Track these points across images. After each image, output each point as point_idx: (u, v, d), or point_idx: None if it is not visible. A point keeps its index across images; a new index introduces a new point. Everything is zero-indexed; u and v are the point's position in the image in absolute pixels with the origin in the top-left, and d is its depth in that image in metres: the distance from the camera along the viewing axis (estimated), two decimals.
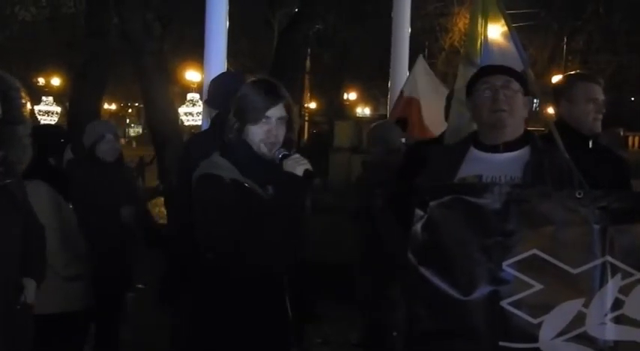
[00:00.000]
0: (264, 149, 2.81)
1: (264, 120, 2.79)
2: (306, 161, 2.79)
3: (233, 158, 2.79)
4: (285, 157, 2.82)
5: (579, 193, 2.31)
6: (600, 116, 3.53)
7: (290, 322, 2.95)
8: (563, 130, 3.46)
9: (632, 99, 31.82)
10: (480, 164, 2.69)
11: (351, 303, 6.02)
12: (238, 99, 2.85)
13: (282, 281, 2.92)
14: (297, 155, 2.82)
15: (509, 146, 2.71)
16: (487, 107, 2.72)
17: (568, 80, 3.72)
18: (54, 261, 3.79)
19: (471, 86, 2.85)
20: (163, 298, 3.85)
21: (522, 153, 2.71)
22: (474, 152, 2.76)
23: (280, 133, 2.83)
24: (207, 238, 2.78)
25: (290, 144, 2.90)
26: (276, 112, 2.81)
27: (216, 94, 3.78)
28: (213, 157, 2.84)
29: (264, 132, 2.80)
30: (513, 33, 4.22)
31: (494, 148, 2.72)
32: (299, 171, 2.74)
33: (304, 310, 4.12)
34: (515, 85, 2.74)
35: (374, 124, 5.49)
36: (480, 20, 4.27)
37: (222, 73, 4.34)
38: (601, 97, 3.53)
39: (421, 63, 5.69)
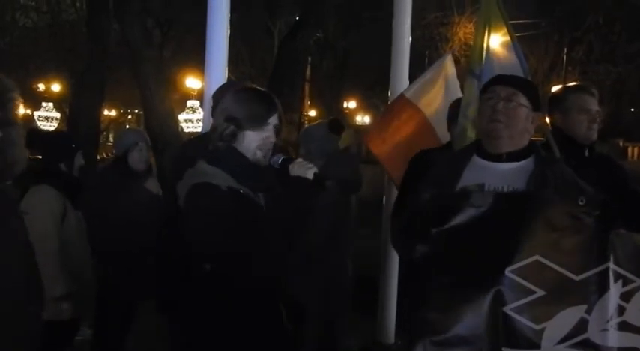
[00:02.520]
0: (259, 155, 2.82)
1: (264, 127, 2.81)
2: (312, 165, 2.82)
3: (225, 166, 2.78)
4: (285, 161, 2.84)
5: (581, 201, 2.32)
6: (595, 126, 3.54)
7: (287, 326, 2.94)
8: (560, 139, 3.49)
9: (632, 109, 31.89)
10: (483, 173, 2.67)
11: (350, 310, 6.00)
12: (233, 105, 2.85)
13: (279, 289, 2.91)
14: (300, 160, 2.86)
15: (513, 156, 2.70)
16: (486, 116, 2.72)
17: (561, 92, 3.74)
18: (53, 264, 3.81)
19: (481, 93, 2.85)
20: (161, 303, 3.85)
21: (526, 164, 2.69)
22: (477, 160, 2.75)
23: (274, 139, 2.86)
24: (205, 249, 2.75)
25: (277, 150, 2.93)
26: (274, 119, 2.85)
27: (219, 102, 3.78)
28: (201, 166, 2.81)
29: (262, 139, 2.81)
30: (515, 43, 4.23)
31: (498, 158, 2.71)
32: (309, 175, 2.77)
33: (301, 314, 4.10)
34: (521, 99, 2.71)
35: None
36: (485, 30, 4.28)
37: (227, 82, 4.33)
38: (594, 107, 3.55)
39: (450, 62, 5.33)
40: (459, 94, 5.01)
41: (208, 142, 2.89)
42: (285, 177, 2.85)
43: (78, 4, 20.83)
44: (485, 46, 4.20)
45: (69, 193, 4.01)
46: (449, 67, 5.21)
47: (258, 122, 2.81)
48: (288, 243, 2.91)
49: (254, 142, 2.81)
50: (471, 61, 4.26)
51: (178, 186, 2.85)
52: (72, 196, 4.03)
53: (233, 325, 2.77)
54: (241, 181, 2.77)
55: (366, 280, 6.17)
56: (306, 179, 2.78)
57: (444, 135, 4.85)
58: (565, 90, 3.75)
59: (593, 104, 3.56)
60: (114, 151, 4.79)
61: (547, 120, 3.73)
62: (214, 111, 3.77)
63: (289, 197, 2.80)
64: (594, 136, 3.55)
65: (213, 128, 2.89)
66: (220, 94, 3.87)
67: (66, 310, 3.88)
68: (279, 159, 2.87)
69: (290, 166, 2.83)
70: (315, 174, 2.79)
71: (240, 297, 2.76)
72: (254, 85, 3.10)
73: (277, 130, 2.88)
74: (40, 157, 4.10)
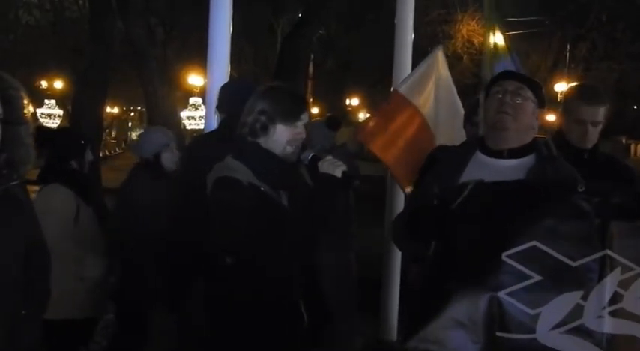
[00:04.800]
0: (289, 150, 2.88)
1: (296, 123, 2.88)
2: (341, 163, 2.87)
3: (248, 162, 2.82)
4: (315, 158, 2.88)
5: (581, 187, 2.33)
6: (588, 137, 3.43)
7: (306, 326, 2.95)
8: (561, 140, 3.46)
9: (635, 107, 31.84)
10: (484, 169, 2.69)
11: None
12: (266, 101, 2.88)
13: (298, 285, 2.93)
14: (330, 157, 2.90)
15: (514, 153, 2.72)
16: (493, 108, 2.73)
17: (566, 93, 3.70)
18: (68, 263, 3.80)
19: (487, 90, 2.87)
20: (170, 303, 3.85)
21: (527, 161, 2.71)
22: (479, 156, 2.77)
23: (304, 136, 2.94)
24: (226, 243, 2.78)
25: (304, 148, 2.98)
26: (305, 117, 2.93)
27: (224, 100, 3.78)
28: (227, 160, 2.86)
29: (293, 134, 2.88)
30: (513, 55, 4.30)
31: (499, 154, 2.73)
32: (338, 173, 2.81)
33: (321, 314, 4.10)
34: (527, 93, 2.73)
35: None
36: (490, 40, 4.34)
37: (231, 80, 4.33)
38: (590, 119, 3.41)
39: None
40: (452, 89, 5.03)
41: (236, 138, 2.93)
42: (315, 174, 2.89)
43: (81, 2, 20.83)
44: (492, 54, 4.26)
45: (81, 191, 4.00)
46: (440, 60, 5.20)
47: (292, 117, 2.88)
48: (311, 242, 2.95)
49: (285, 136, 2.87)
50: (482, 70, 4.30)
51: (207, 179, 2.88)
52: (84, 192, 4.02)
53: (248, 321, 2.81)
54: (262, 178, 2.81)
55: (368, 278, 6.17)
56: (334, 177, 2.81)
57: (438, 130, 4.86)
58: (569, 93, 3.67)
59: (591, 115, 3.42)
60: (141, 154, 4.58)
61: (550, 118, 3.71)
62: (220, 107, 3.79)
63: (317, 194, 2.84)
64: (588, 145, 3.45)
65: (243, 123, 2.91)
66: (222, 91, 3.87)
67: (80, 310, 3.88)
68: (308, 155, 2.93)
69: (319, 164, 2.87)
70: (343, 172, 2.83)
71: (255, 293, 2.79)
72: (283, 84, 3.13)
73: (305, 129, 2.96)
74: (50, 155, 4.07)
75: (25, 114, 2.53)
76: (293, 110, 2.89)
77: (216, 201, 2.80)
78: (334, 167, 2.83)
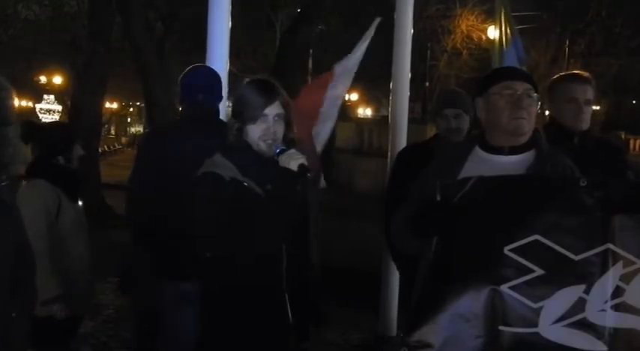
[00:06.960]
0: (263, 147, 2.85)
1: (261, 118, 2.84)
2: (301, 156, 2.82)
3: (233, 158, 2.83)
4: (282, 152, 2.85)
5: (583, 181, 2.33)
6: (583, 116, 3.48)
7: (289, 321, 2.95)
8: (552, 128, 3.48)
9: (634, 102, 31.85)
10: (484, 165, 2.67)
11: (351, 305, 6.02)
12: (236, 100, 2.91)
13: (281, 281, 2.93)
14: (292, 150, 2.85)
15: (515, 149, 2.69)
16: (508, 112, 2.67)
17: (551, 82, 3.74)
18: (44, 263, 3.74)
19: (487, 86, 2.76)
20: (124, 288, 3.89)
21: (526, 156, 2.69)
22: (478, 152, 2.75)
23: (279, 130, 2.87)
24: (204, 236, 2.78)
25: (291, 143, 2.92)
26: (273, 109, 2.86)
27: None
28: (215, 157, 2.87)
29: (261, 130, 2.84)
30: (516, 38, 4.30)
31: (499, 150, 2.71)
32: (293, 166, 2.78)
33: (308, 310, 4.10)
34: (534, 94, 2.70)
35: None
36: (500, 27, 4.36)
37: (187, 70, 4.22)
38: (582, 96, 3.49)
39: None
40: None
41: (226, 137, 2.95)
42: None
43: None
44: (503, 42, 4.28)
45: (66, 187, 3.95)
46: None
47: (256, 114, 2.84)
48: (290, 237, 2.94)
49: (255, 133, 2.85)
50: (492, 58, 4.29)
51: (194, 176, 2.89)
52: (71, 188, 3.98)
53: (229, 316, 2.82)
54: (245, 173, 2.81)
55: (367, 274, 6.18)
56: (290, 170, 2.79)
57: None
58: (555, 79, 3.73)
59: (582, 93, 3.50)
60: None
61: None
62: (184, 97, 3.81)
63: (279, 188, 2.83)
64: (583, 125, 3.50)
65: (230, 125, 2.95)
66: (182, 83, 3.88)
67: (58, 310, 3.82)
68: (277, 149, 2.87)
69: (279, 157, 2.84)
70: (300, 165, 2.79)
71: (236, 287, 2.81)
72: (257, 77, 3.08)
73: (285, 119, 2.90)
74: (38, 150, 3.98)
75: (12, 114, 2.52)
76: (256, 107, 2.84)
77: (196, 196, 2.82)
78: (290, 160, 2.80)
